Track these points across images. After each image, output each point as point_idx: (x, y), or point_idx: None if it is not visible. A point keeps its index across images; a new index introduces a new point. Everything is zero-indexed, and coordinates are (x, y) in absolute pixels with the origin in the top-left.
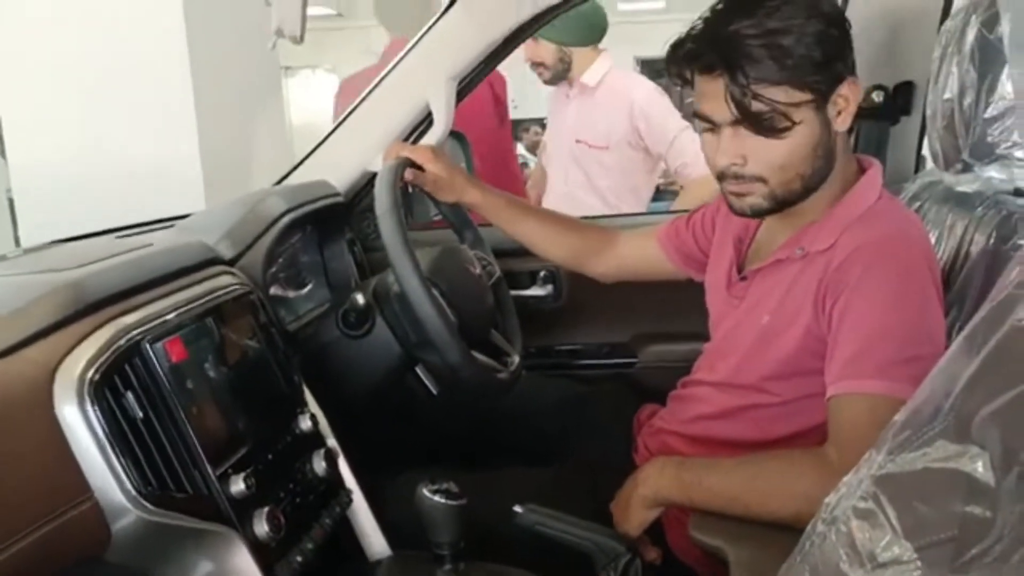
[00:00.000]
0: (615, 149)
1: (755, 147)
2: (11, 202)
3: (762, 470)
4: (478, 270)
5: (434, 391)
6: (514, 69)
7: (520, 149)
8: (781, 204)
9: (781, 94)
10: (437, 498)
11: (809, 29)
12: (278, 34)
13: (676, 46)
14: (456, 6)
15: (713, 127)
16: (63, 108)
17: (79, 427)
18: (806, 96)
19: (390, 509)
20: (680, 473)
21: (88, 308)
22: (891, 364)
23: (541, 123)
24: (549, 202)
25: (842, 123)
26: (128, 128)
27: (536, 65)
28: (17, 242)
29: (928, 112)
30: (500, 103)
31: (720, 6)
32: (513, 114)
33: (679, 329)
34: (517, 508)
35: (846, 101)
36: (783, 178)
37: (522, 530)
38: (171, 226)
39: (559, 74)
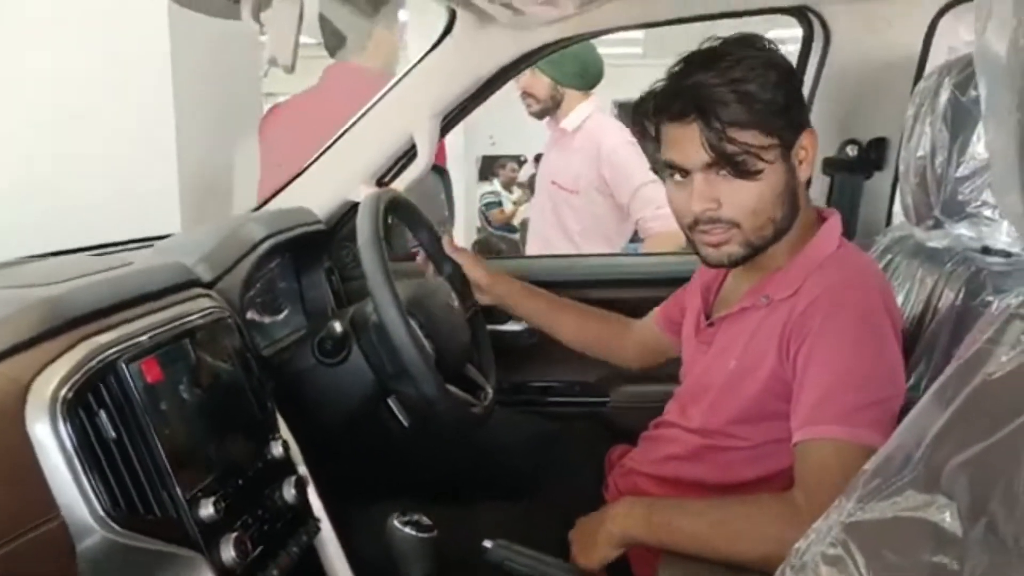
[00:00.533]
0: (584, 194)
1: (729, 190)
2: None
3: (731, 513)
4: (457, 303)
5: (405, 423)
6: (494, 106)
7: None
8: (756, 251)
9: (750, 137)
10: (408, 530)
11: (770, 78)
12: (271, 63)
13: (641, 102)
14: (444, 44)
15: (684, 175)
16: (38, 125)
17: (50, 445)
18: (773, 141)
19: (358, 541)
20: (650, 514)
21: (64, 325)
22: (854, 410)
23: (518, 160)
24: (530, 237)
25: (804, 172)
26: (105, 148)
27: (527, 95)
28: None
29: (901, 168)
30: None
31: (680, 66)
32: (490, 150)
33: (646, 374)
34: (487, 543)
35: (806, 151)
36: (756, 223)
37: (492, 565)
38: (149, 246)
39: (547, 110)
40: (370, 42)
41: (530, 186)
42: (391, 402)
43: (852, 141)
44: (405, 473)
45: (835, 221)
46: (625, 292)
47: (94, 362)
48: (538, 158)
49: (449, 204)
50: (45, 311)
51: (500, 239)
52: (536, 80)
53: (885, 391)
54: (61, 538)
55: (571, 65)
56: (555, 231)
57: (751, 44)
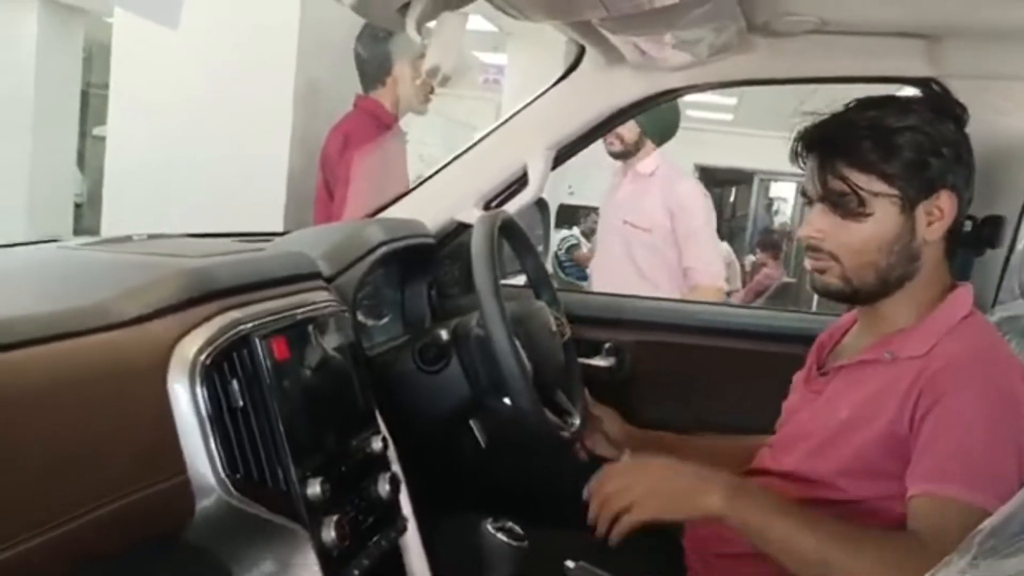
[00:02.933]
0: (656, 232)
1: (834, 225)
2: (77, 206)
3: (863, 533)
4: (555, 328)
5: (482, 444)
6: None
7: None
8: (855, 292)
9: (865, 181)
10: (500, 536)
11: (918, 138)
12: (431, 73)
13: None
14: (568, 79)
15: (809, 203)
16: (168, 119)
17: (186, 405)
18: (891, 191)
19: (438, 546)
20: (767, 499)
21: (207, 296)
22: (982, 474)
23: (596, 211)
24: (595, 274)
25: (932, 233)
26: (224, 147)
27: (614, 136)
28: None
29: (1020, 246)
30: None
31: (857, 101)
32: (569, 200)
33: (734, 423)
34: (569, 563)
35: (940, 212)
36: (856, 262)
37: None
38: (270, 240)
39: (627, 153)
40: (388, 78)
41: None
42: (472, 423)
43: (967, 216)
44: (485, 487)
45: (966, 290)
46: (731, 342)
47: (231, 333)
48: None
49: (545, 236)
50: (191, 280)
51: (570, 285)
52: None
53: (1012, 463)
54: (185, 493)
55: (662, 120)
56: (627, 269)
57: (931, 102)
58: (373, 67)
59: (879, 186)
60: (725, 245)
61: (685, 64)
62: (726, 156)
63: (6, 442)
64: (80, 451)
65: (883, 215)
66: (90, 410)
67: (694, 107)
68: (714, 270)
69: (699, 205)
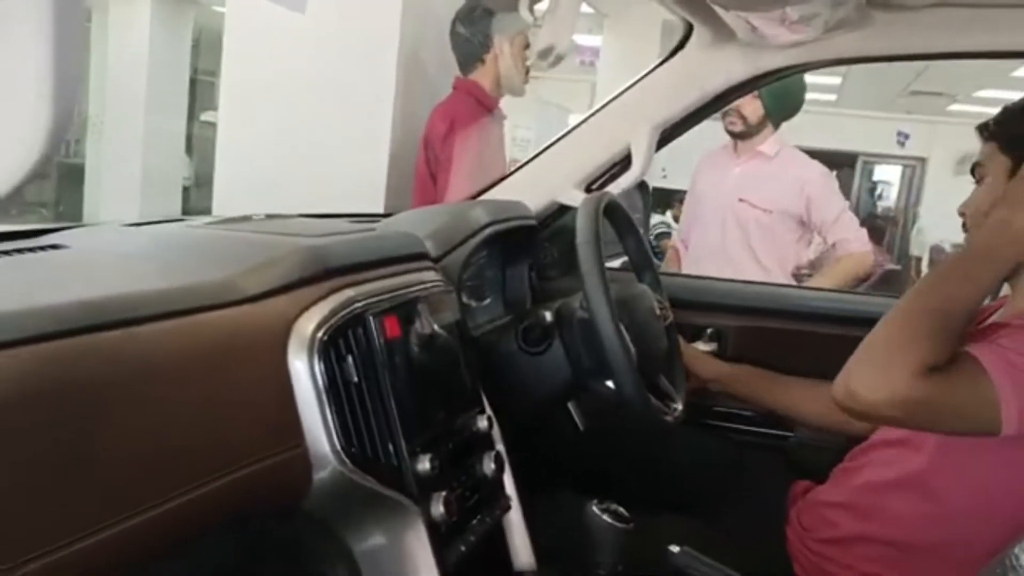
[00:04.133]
0: (778, 214)
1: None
2: (185, 189)
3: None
4: (658, 312)
5: (580, 427)
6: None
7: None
8: None
9: (989, 149)
10: (606, 517)
11: None
12: (543, 55)
13: None
14: (675, 58)
15: (979, 180)
16: (275, 105)
17: (305, 379)
18: (1004, 160)
19: (540, 526)
20: None
21: (327, 273)
22: None
23: None
24: (694, 257)
25: None
26: (328, 133)
27: (735, 115)
28: None
29: None
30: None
31: None
32: (661, 183)
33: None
34: (673, 548)
35: None
36: (974, 223)
37: (675, 570)
38: (378, 221)
39: (748, 132)
40: (488, 56)
41: None
42: (570, 405)
43: None
44: (583, 469)
45: None
46: (833, 328)
47: (346, 311)
48: None
49: (646, 218)
50: (309, 258)
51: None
52: (752, 103)
53: None
54: (303, 464)
55: (787, 102)
56: (737, 247)
57: None
58: (472, 47)
59: (999, 156)
60: None
61: (797, 41)
62: (828, 138)
63: (139, 412)
64: (207, 421)
65: (992, 183)
66: (217, 382)
67: None
68: (864, 236)
69: (833, 187)
